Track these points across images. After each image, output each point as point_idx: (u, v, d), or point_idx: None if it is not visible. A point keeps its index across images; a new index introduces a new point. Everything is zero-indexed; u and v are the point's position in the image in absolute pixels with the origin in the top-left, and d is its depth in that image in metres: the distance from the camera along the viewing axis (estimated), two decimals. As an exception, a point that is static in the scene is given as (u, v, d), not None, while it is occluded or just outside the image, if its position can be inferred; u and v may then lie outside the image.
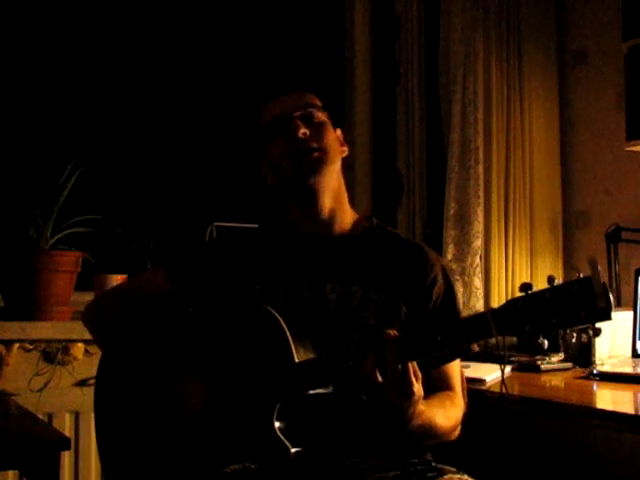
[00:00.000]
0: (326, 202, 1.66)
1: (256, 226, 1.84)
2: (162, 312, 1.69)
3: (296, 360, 1.46)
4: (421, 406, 1.41)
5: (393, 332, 1.36)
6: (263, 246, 1.71)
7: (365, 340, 1.41)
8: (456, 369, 1.66)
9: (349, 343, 1.46)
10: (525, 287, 1.28)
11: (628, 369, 2.28)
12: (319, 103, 1.71)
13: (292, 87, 1.74)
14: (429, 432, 1.51)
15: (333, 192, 1.67)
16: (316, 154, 1.63)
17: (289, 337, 1.48)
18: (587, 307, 1.22)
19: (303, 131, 1.63)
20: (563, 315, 1.24)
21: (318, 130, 1.65)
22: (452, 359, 1.61)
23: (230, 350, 1.58)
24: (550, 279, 1.28)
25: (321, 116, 1.68)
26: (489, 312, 1.31)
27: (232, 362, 1.56)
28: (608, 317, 1.22)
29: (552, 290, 1.26)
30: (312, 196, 1.65)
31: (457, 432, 1.60)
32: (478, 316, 1.34)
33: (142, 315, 1.66)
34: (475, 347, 1.63)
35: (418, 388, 1.36)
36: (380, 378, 1.35)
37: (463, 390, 1.69)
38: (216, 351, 1.60)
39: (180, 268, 1.71)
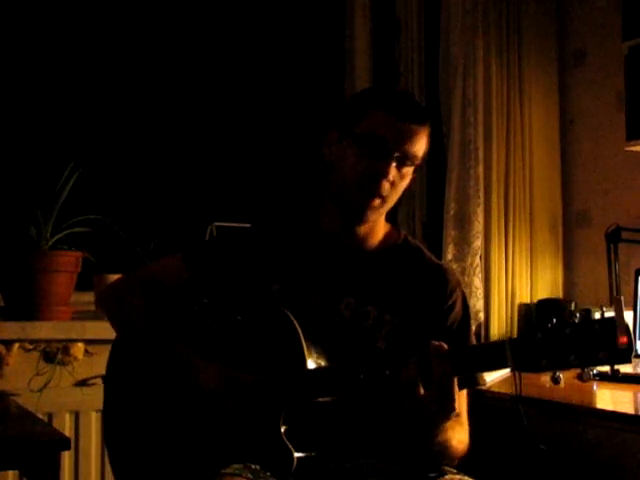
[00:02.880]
0: (365, 227, 1.65)
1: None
2: (177, 303, 1.67)
3: (308, 367, 1.46)
4: (447, 423, 1.40)
5: (441, 345, 1.34)
6: (285, 245, 1.67)
7: (406, 350, 1.39)
8: (464, 397, 1.63)
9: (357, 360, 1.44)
10: (543, 304, 1.26)
11: (628, 369, 2.28)
12: (423, 152, 1.59)
13: (420, 115, 1.60)
14: (444, 451, 1.49)
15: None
16: (378, 202, 1.57)
17: (303, 343, 1.47)
18: (607, 348, 1.19)
19: (391, 180, 1.55)
20: (582, 354, 1.22)
21: (397, 182, 1.57)
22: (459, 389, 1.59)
23: (242, 348, 1.58)
24: (570, 313, 1.25)
25: (409, 172, 1.59)
26: (507, 341, 1.29)
27: (242, 360, 1.55)
28: (628, 360, 1.20)
29: (573, 326, 1.23)
30: (353, 227, 1.64)
31: (457, 460, 1.57)
32: (495, 344, 1.33)
33: (157, 306, 1.65)
34: (484, 380, 1.62)
35: (458, 403, 1.35)
36: (422, 390, 1.34)
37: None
38: (227, 347, 1.59)
39: (198, 256, 1.69)
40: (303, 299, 1.60)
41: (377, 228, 1.67)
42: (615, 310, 1.20)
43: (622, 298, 1.21)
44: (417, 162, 1.59)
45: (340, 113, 1.65)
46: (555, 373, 1.28)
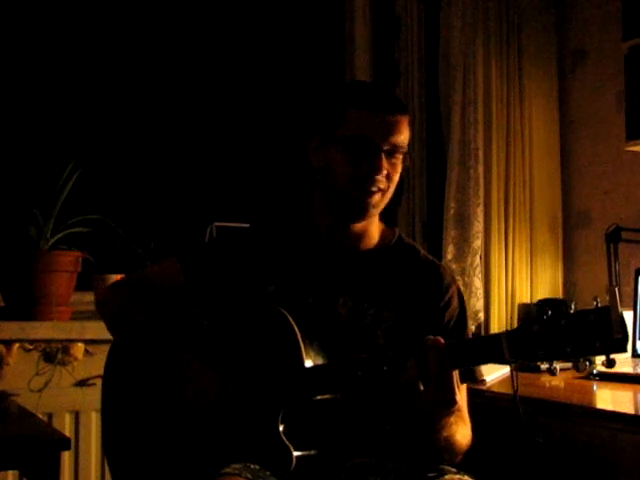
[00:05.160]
0: (360, 226, 1.64)
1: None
2: (175, 305, 1.67)
3: (305, 365, 1.46)
4: (451, 417, 1.41)
5: (438, 339, 1.35)
6: (279, 246, 1.68)
7: (403, 346, 1.40)
8: (463, 392, 1.62)
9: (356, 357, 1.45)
10: (543, 304, 1.27)
11: (628, 369, 2.28)
12: (407, 139, 1.60)
13: (397, 106, 1.60)
14: (450, 446, 1.49)
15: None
16: (377, 197, 1.58)
17: (300, 341, 1.47)
18: (602, 338, 1.21)
19: (385, 173, 1.56)
20: (578, 344, 1.23)
21: (391, 173, 1.58)
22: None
23: (239, 348, 1.58)
24: (565, 304, 1.27)
25: (399, 160, 1.59)
26: (504, 334, 1.30)
27: (240, 361, 1.56)
28: (624, 349, 1.21)
29: (568, 317, 1.25)
30: (347, 224, 1.63)
31: (462, 455, 1.57)
32: (491, 337, 1.34)
33: (156, 307, 1.65)
34: (481, 374, 1.62)
35: (459, 397, 1.35)
36: (422, 386, 1.34)
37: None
38: (225, 348, 1.60)
39: (194, 260, 1.69)
40: (298, 299, 1.60)
41: (372, 227, 1.67)
42: (610, 300, 1.21)
43: (616, 288, 1.22)
44: (404, 150, 1.60)
45: (319, 118, 1.66)
46: (552, 364, 1.29)
